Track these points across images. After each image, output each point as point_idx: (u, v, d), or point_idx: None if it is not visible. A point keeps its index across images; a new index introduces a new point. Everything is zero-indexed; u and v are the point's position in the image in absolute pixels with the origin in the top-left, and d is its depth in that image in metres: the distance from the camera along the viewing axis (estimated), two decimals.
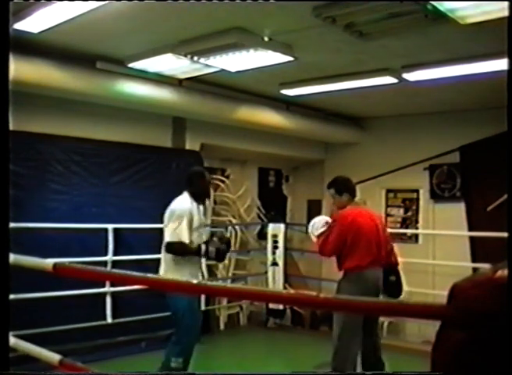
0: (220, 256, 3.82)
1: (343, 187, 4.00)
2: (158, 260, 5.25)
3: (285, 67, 4.44)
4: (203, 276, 4.08)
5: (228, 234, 3.89)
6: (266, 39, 3.81)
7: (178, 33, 3.92)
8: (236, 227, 6.58)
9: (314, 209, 7.55)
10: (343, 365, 3.72)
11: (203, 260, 3.99)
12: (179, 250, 3.70)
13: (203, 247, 3.73)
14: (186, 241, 3.69)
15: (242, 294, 2.13)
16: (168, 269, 3.76)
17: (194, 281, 2.09)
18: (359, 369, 3.86)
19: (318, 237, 3.97)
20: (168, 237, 3.71)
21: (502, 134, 4.10)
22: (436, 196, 6.38)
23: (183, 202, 3.83)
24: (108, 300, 5.05)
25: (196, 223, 3.80)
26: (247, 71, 4.54)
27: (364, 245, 3.82)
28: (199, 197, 3.92)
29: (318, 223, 4.03)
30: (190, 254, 3.73)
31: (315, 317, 6.50)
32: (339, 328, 3.79)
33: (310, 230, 4.08)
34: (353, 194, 4.00)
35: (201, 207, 3.96)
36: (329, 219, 4.01)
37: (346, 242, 3.82)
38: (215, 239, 3.81)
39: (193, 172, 4.11)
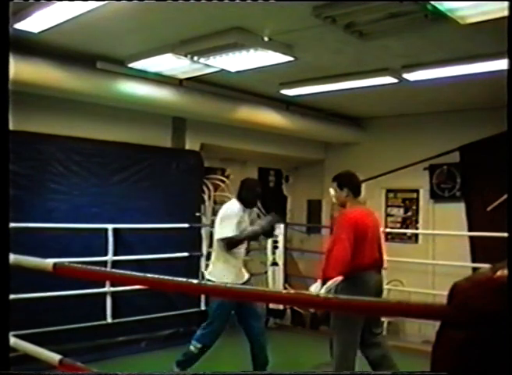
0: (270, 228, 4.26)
1: (344, 182, 3.82)
2: (158, 260, 5.27)
3: (285, 67, 4.44)
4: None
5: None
6: (266, 39, 3.81)
7: (178, 33, 3.92)
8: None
9: (314, 209, 7.56)
10: (343, 365, 3.68)
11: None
12: (233, 243, 4.08)
13: (256, 227, 4.17)
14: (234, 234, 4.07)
15: (242, 294, 2.13)
16: (216, 264, 4.19)
17: (194, 281, 2.09)
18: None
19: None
20: (219, 235, 4.13)
21: (502, 134, 4.10)
22: (436, 196, 6.38)
23: (230, 206, 4.24)
24: (108, 300, 5.04)
25: (244, 225, 4.15)
26: (247, 71, 4.54)
27: (365, 247, 3.67)
28: (247, 204, 4.24)
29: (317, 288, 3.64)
30: (243, 240, 4.16)
31: (315, 317, 6.50)
32: (337, 332, 3.72)
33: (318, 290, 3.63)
34: (354, 191, 3.82)
35: (247, 212, 4.28)
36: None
37: (352, 246, 3.62)
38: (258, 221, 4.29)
39: (246, 182, 4.45)
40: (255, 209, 4.40)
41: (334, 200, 3.99)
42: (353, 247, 3.57)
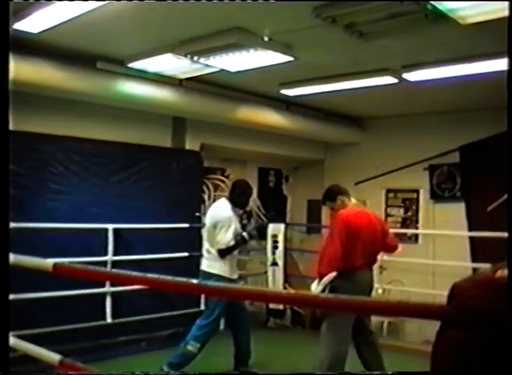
0: (261, 232, 4.57)
1: (333, 194, 4.06)
2: (158, 260, 5.26)
3: (285, 67, 4.44)
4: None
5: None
6: (266, 39, 3.80)
7: (178, 33, 3.92)
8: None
9: (314, 209, 7.56)
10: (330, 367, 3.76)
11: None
12: (226, 253, 4.30)
13: (245, 234, 4.35)
14: (232, 243, 4.29)
15: (242, 294, 2.13)
16: (213, 264, 4.35)
17: (194, 281, 2.09)
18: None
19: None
20: (218, 245, 4.29)
21: (502, 134, 4.10)
22: (436, 196, 6.37)
23: (224, 210, 4.36)
24: (108, 300, 5.04)
25: (236, 229, 4.34)
26: (247, 71, 4.54)
27: (359, 247, 3.81)
28: (238, 205, 4.45)
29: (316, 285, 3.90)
30: (236, 248, 4.35)
31: (315, 317, 6.49)
32: (327, 330, 3.90)
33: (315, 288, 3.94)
34: (346, 195, 4.04)
35: (238, 213, 4.50)
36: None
37: (343, 244, 3.79)
38: (251, 224, 4.58)
39: (238, 183, 4.65)
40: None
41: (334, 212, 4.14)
42: (344, 246, 3.76)
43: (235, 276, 4.46)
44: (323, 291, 3.73)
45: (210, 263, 4.37)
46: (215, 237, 4.31)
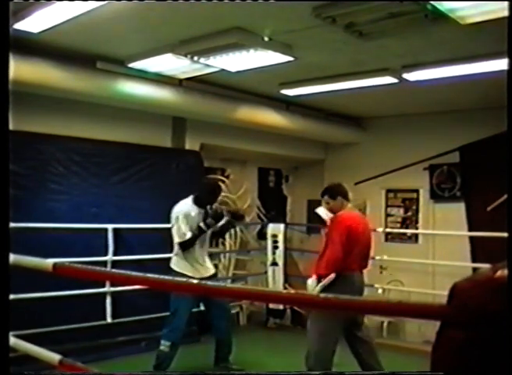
0: (218, 219, 4.41)
1: (335, 192, 4.07)
2: (158, 260, 5.28)
3: (285, 67, 4.44)
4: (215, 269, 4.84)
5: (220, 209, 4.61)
6: (266, 39, 3.80)
7: (178, 33, 3.92)
8: (236, 227, 6.57)
9: (314, 209, 7.55)
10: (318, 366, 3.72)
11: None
12: (186, 245, 4.33)
13: (201, 224, 4.32)
14: (188, 235, 4.30)
15: (242, 294, 2.13)
16: (175, 261, 4.42)
17: (194, 281, 2.09)
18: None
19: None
20: (175, 239, 4.37)
21: (502, 134, 4.10)
22: (436, 196, 6.38)
23: (181, 206, 4.41)
24: (108, 300, 5.04)
25: (193, 222, 4.33)
26: (247, 71, 4.54)
27: (357, 250, 3.87)
28: (202, 204, 4.43)
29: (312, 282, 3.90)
30: (195, 239, 4.33)
31: None
32: (317, 332, 3.79)
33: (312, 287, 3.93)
34: (346, 197, 4.07)
35: (202, 211, 4.44)
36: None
37: (344, 246, 3.83)
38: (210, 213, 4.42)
39: (204, 182, 4.74)
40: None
41: (325, 215, 4.15)
42: (345, 248, 3.80)
43: (196, 275, 4.32)
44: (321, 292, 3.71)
45: (175, 261, 4.45)
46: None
